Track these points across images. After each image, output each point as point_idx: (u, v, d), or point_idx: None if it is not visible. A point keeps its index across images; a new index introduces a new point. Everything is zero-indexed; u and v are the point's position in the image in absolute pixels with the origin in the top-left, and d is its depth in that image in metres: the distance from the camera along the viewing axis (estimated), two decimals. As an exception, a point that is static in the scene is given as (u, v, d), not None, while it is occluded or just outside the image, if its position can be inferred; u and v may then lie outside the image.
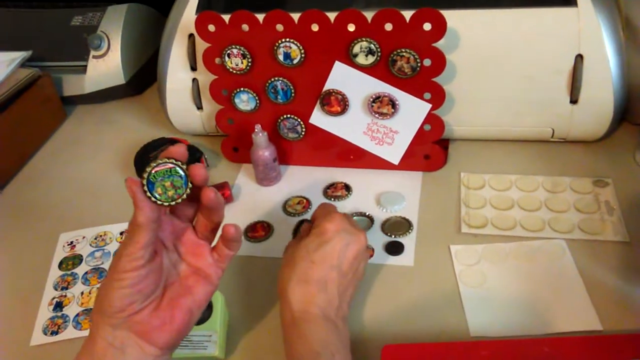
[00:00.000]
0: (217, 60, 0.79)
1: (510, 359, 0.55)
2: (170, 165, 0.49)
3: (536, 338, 0.57)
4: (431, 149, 0.79)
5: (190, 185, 0.49)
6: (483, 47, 0.75)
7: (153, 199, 0.48)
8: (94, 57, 1.00)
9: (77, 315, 0.69)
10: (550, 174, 0.77)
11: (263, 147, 0.79)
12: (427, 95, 0.75)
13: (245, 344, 0.63)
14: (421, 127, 0.77)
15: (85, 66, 1.00)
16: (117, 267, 0.49)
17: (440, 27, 0.70)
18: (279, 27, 0.74)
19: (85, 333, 0.66)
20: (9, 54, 0.96)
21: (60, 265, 0.76)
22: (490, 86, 0.77)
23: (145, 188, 0.48)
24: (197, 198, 0.52)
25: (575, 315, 0.60)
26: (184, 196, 0.49)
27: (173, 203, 0.49)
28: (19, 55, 0.95)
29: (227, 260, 0.55)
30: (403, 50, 0.71)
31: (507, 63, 0.75)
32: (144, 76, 1.05)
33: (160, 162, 0.49)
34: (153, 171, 0.48)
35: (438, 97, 0.74)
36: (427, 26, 0.70)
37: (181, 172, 0.49)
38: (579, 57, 0.73)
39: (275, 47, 0.75)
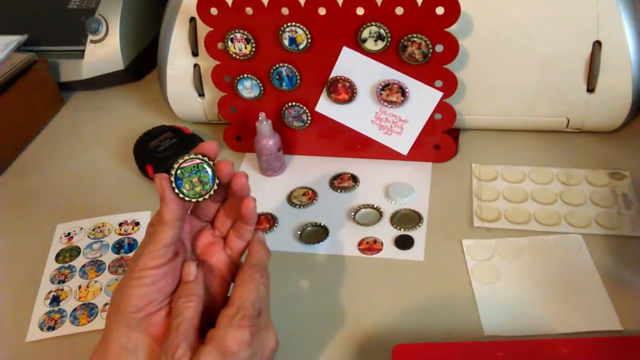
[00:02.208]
0: (219, 45, 0.75)
1: (526, 360, 0.53)
2: (198, 161, 0.49)
3: (553, 339, 0.55)
4: (441, 139, 0.76)
5: (217, 181, 0.49)
6: (497, 33, 0.72)
7: (181, 195, 0.48)
8: (92, 41, 0.96)
9: (75, 310, 0.67)
10: (565, 166, 0.74)
11: (267, 136, 0.76)
12: (439, 83, 0.72)
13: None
14: (431, 116, 0.74)
15: (83, 51, 0.97)
16: (137, 264, 0.48)
17: (454, 12, 0.66)
18: (285, 11, 0.71)
19: (83, 329, 0.65)
20: (3, 38, 0.92)
21: (57, 258, 0.73)
22: (504, 74, 0.74)
23: (174, 184, 0.48)
24: (220, 196, 0.52)
25: (594, 314, 0.58)
26: (212, 192, 0.49)
27: (201, 199, 0.49)
28: (14, 40, 0.92)
29: (240, 253, 0.53)
30: (414, 35, 0.68)
31: (522, 49, 0.72)
32: (144, 61, 1.02)
33: (188, 157, 0.49)
34: (181, 167, 0.48)
35: (450, 84, 0.71)
36: (439, 10, 0.67)
37: (208, 168, 0.49)
38: (597, 44, 0.70)
39: (281, 32, 0.72)
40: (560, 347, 0.53)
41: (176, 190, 0.48)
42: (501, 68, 0.74)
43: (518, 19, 0.72)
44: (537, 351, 0.53)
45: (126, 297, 0.48)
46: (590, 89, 0.73)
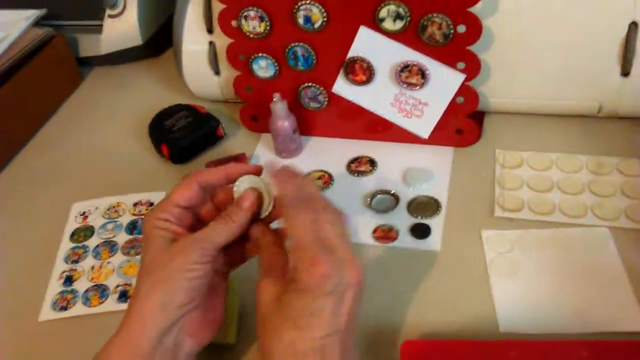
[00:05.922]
0: (233, 22, 0.73)
1: (542, 362, 0.51)
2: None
3: (573, 340, 0.52)
4: (464, 123, 0.73)
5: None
6: (524, 11, 0.68)
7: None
8: (110, 16, 0.95)
9: (87, 290, 0.66)
10: (595, 154, 0.70)
11: (282, 117, 0.74)
12: (461, 65, 0.68)
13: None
14: (453, 100, 0.70)
15: (101, 26, 0.96)
16: (188, 257, 0.48)
17: (478, -10, 0.63)
18: (300, -12, 0.68)
19: (94, 310, 0.64)
20: (21, 12, 0.92)
21: (71, 237, 0.73)
22: (532, 55, 0.70)
23: None
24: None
25: (617, 313, 0.55)
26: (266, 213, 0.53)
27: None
28: (32, 14, 0.91)
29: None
30: (435, 15, 0.65)
31: (551, 29, 0.68)
32: (163, 37, 0.99)
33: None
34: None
35: (473, 66, 0.68)
36: (463, -12, 0.63)
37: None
38: (633, 25, 0.66)
39: (295, 10, 0.69)
40: (579, 350, 0.50)
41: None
42: (529, 49, 0.70)
43: (548, -4, 0.67)
44: (554, 353, 0.51)
45: (173, 290, 0.47)
46: (625, 73, 0.68)
